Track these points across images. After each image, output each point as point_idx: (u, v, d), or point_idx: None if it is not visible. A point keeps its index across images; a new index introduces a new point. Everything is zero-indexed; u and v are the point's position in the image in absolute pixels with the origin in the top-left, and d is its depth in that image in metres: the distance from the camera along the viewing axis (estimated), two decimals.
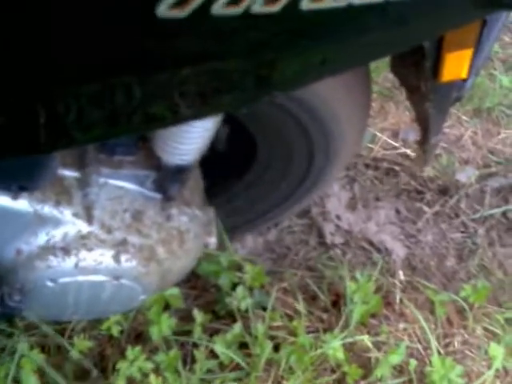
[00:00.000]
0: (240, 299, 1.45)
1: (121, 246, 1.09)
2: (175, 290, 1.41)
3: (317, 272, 1.66)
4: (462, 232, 1.89)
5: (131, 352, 1.30)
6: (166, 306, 1.41)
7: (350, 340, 1.47)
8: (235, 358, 1.37)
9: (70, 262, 1.06)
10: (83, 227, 1.06)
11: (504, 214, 1.94)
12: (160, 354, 1.33)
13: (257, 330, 1.41)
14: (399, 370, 1.51)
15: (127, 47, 0.54)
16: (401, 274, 1.69)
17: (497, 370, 1.54)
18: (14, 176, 0.98)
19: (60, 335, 1.31)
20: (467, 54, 0.97)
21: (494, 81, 2.31)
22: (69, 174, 1.07)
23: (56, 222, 1.05)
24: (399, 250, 1.79)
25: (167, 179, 1.10)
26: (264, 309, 1.48)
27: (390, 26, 0.67)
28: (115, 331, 1.35)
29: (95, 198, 1.07)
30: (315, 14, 0.58)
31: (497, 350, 1.55)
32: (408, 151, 2.01)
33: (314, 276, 1.65)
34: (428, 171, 1.98)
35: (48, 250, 1.05)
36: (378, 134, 2.04)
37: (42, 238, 1.05)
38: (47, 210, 1.03)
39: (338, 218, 1.83)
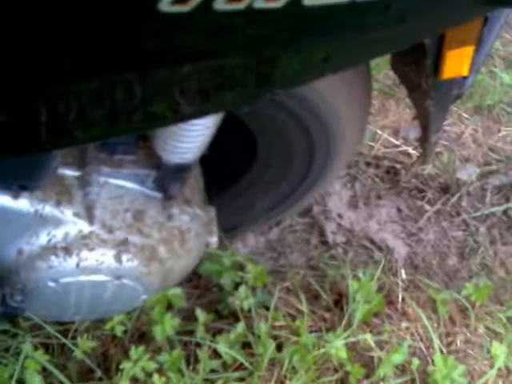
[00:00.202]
0: (242, 299, 1.45)
1: (122, 246, 1.08)
2: (178, 290, 1.40)
3: (319, 271, 1.67)
4: (464, 230, 1.89)
5: (135, 352, 1.30)
6: (169, 306, 1.41)
7: (352, 339, 1.47)
8: (238, 358, 1.37)
9: (71, 262, 1.06)
10: (84, 227, 1.06)
11: (505, 212, 1.95)
12: (163, 354, 1.33)
13: (260, 330, 1.41)
14: (402, 369, 1.51)
15: (128, 43, 0.54)
16: (403, 273, 1.69)
17: (499, 369, 1.54)
18: (14, 175, 0.98)
19: (63, 335, 1.31)
20: (468, 51, 0.97)
21: (495, 78, 2.31)
22: (69, 173, 1.07)
23: (57, 222, 1.04)
24: (401, 249, 1.79)
25: (168, 178, 1.10)
26: (266, 308, 1.48)
27: (392, 24, 0.67)
28: (118, 331, 1.35)
29: (96, 197, 1.07)
30: (318, 11, 0.58)
31: (499, 349, 1.56)
32: (409, 149, 2.01)
33: (316, 275, 1.65)
34: (429, 169, 1.98)
35: (49, 249, 1.05)
36: (378, 131, 2.04)
37: (43, 238, 1.05)
38: (48, 209, 1.03)
39: (340, 216, 1.83)
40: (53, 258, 1.05)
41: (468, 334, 1.62)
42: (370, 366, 1.48)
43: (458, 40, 0.94)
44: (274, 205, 1.45)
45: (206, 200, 1.23)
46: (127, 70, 0.58)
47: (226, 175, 1.42)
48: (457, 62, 0.97)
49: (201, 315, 1.40)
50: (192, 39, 0.56)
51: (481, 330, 1.63)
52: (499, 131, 2.19)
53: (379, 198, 1.91)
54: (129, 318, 1.38)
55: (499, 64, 2.38)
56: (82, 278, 1.08)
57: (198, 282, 1.56)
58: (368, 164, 1.97)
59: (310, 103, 1.11)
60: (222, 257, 1.50)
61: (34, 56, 0.52)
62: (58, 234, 1.05)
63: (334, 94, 1.13)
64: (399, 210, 1.90)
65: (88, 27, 0.51)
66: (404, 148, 2.02)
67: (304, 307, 1.50)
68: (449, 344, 1.59)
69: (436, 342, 1.54)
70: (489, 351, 1.58)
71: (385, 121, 2.10)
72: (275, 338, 1.43)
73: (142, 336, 1.40)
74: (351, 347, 1.48)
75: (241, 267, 1.52)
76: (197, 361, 1.36)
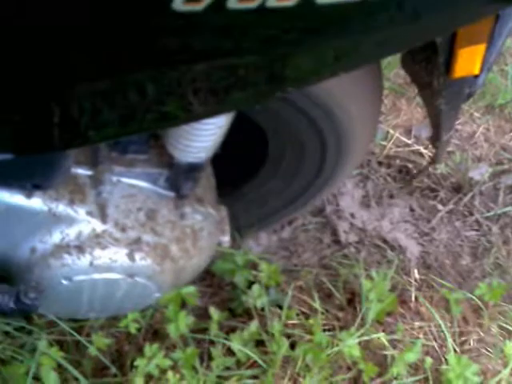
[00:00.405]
0: (256, 297, 1.45)
1: (135, 245, 1.09)
2: (192, 288, 1.41)
3: (331, 270, 1.67)
4: (476, 230, 1.89)
5: (149, 349, 1.30)
6: (183, 304, 1.41)
7: (365, 338, 1.47)
8: (252, 356, 1.37)
9: (84, 260, 1.06)
10: (97, 226, 1.07)
11: None
12: (177, 352, 1.33)
13: (273, 328, 1.41)
14: (415, 368, 1.51)
15: (141, 43, 0.55)
16: (416, 273, 1.69)
17: None
18: (28, 174, 0.99)
19: (78, 332, 1.32)
20: (480, 49, 0.96)
21: (506, 77, 2.31)
22: (82, 172, 1.08)
23: (70, 221, 1.05)
24: (413, 249, 1.79)
25: (180, 177, 1.10)
26: (280, 307, 1.49)
27: (404, 22, 0.67)
28: (133, 329, 1.35)
29: (109, 196, 1.08)
30: (329, 9, 0.58)
31: None
32: (421, 148, 2.01)
33: (328, 274, 1.65)
34: (441, 168, 1.97)
35: (62, 248, 1.06)
36: (390, 131, 2.03)
37: (56, 237, 1.05)
38: (61, 208, 1.04)
39: (352, 216, 1.83)
40: (66, 256, 1.06)
41: (481, 334, 1.61)
42: (383, 365, 1.48)
43: (470, 38, 0.94)
44: (286, 204, 1.45)
45: (217, 199, 1.23)
46: (140, 69, 0.58)
47: (238, 175, 1.42)
48: (468, 61, 0.97)
49: (215, 313, 1.41)
50: (205, 38, 0.56)
51: (494, 329, 1.63)
52: (511, 130, 2.18)
53: (391, 197, 1.91)
54: (143, 316, 1.39)
55: (511, 62, 2.37)
56: (95, 276, 1.08)
57: (211, 281, 1.56)
58: (380, 163, 1.97)
59: (322, 102, 1.11)
60: (235, 255, 1.50)
61: (48, 56, 0.53)
62: (71, 233, 1.06)
63: (345, 93, 1.13)
64: (412, 209, 1.90)
65: (101, 27, 0.51)
66: (416, 147, 2.01)
67: (317, 306, 1.50)
68: (462, 343, 1.59)
69: (450, 341, 1.54)
70: (502, 350, 1.58)
71: (396, 120, 2.09)
72: (289, 336, 1.43)
73: (156, 333, 1.41)
74: (364, 346, 1.48)
75: (254, 266, 1.52)
76: (210, 358, 1.36)
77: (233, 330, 1.44)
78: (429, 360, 1.50)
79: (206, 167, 1.15)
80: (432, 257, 1.78)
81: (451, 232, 1.86)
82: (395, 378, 1.46)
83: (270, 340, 1.40)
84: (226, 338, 1.39)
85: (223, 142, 1.07)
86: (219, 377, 1.34)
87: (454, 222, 1.88)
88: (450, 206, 1.91)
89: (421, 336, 1.56)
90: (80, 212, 1.05)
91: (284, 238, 1.74)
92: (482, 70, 1.00)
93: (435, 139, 1.22)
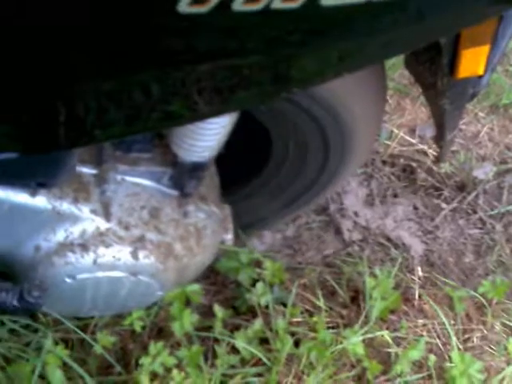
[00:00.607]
0: (260, 295, 1.46)
1: (139, 243, 1.09)
2: (196, 287, 1.41)
3: (335, 268, 1.67)
4: (480, 228, 1.89)
5: (154, 347, 1.31)
6: (187, 302, 1.42)
7: (369, 336, 1.48)
8: (256, 353, 1.38)
9: (88, 259, 1.07)
10: (101, 224, 1.07)
11: None
12: (182, 350, 1.34)
13: (277, 326, 1.42)
14: (419, 365, 1.51)
15: (147, 44, 0.55)
16: (419, 270, 1.70)
17: None
18: (32, 173, 0.99)
19: (83, 331, 1.32)
20: (484, 50, 0.96)
21: (511, 77, 2.31)
22: (86, 170, 1.08)
23: (74, 219, 1.06)
24: (417, 247, 1.79)
25: (184, 176, 1.11)
26: (284, 305, 1.49)
27: (409, 23, 0.67)
28: (138, 327, 1.36)
29: (113, 194, 1.08)
30: (334, 11, 0.58)
31: None
32: (425, 148, 2.01)
33: (332, 272, 1.65)
34: (445, 167, 1.97)
35: (66, 246, 1.06)
36: (395, 130, 2.04)
37: (60, 235, 1.06)
38: (65, 206, 1.04)
39: (356, 214, 1.84)
40: (70, 254, 1.06)
41: (485, 331, 1.62)
42: (387, 362, 1.48)
43: (474, 39, 0.94)
44: (289, 202, 1.46)
45: (221, 197, 1.24)
46: (146, 69, 0.59)
47: (242, 173, 1.43)
48: (472, 61, 0.97)
49: (219, 311, 1.41)
50: (209, 39, 0.57)
51: (497, 326, 1.63)
52: None
53: (395, 196, 1.91)
54: (147, 314, 1.39)
55: None
56: (99, 274, 1.09)
57: (215, 279, 1.57)
58: (384, 162, 1.97)
59: (325, 101, 1.12)
60: (239, 254, 1.51)
61: (54, 56, 0.53)
62: (75, 231, 1.06)
63: (348, 92, 1.13)
64: (415, 207, 1.90)
65: (108, 28, 0.52)
66: (420, 146, 2.01)
67: (321, 303, 1.51)
68: (465, 341, 1.59)
69: (453, 339, 1.54)
70: (505, 348, 1.58)
71: (401, 119, 2.10)
72: (293, 333, 1.44)
73: (161, 332, 1.41)
74: (368, 343, 1.49)
75: (258, 264, 1.52)
76: (215, 356, 1.37)
77: (237, 327, 1.44)
78: (432, 357, 1.50)
79: (209, 166, 1.15)
80: (436, 255, 1.79)
81: (455, 230, 1.86)
82: (399, 376, 1.46)
83: (274, 338, 1.41)
84: (230, 336, 1.40)
85: (227, 141, 1.08)
86: (224, 375, 1.35)
87: (458, 221, 1.89)
88: (454, 205, 1.91)
89: (424, 334, 1.56)
90: (84, 210, 1.06)
91: (288, 236, 1.75)
92: (485, 70, 1.00)
93: (439, 139, 1.22)
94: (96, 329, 1.36)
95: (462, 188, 1.96)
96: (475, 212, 1.92)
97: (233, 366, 1.37)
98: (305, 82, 0.73)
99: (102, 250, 1.07)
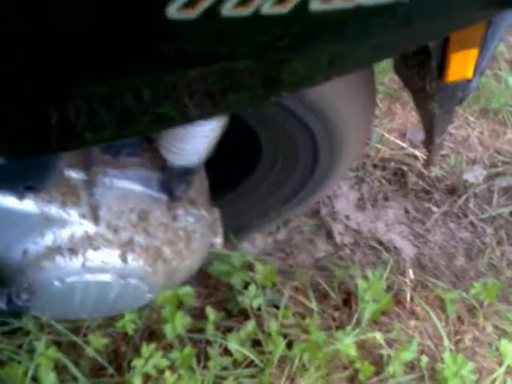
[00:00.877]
0: (252, 298, 1.46)
1: (127, 246, 1.09)
2: (188, 289, 1.41)
3: (327, 271, 1.67)
4: (471, 231, 1.90)
5: (146, 349, 1.31)
6: (179, 305, 1.42)
7: (361, 337, 1.48)
8: (249, 355, 1.38)
9: (76, 262, 1.06)
10: (90, 227, 1.07)
11: None
12: (174, 352, 1.34)
13: (270, 328, 1.42)
14: (411, 366, 1.51)
15: (137, 48, 0.55)
16: (411, 273, 1.70)
17: (508, 367, 1.55)
18: (20, 177, 0.99)
19: (75, 333, 1.32)
20: (472, 53, 0.97)
21: (500, 81, 2.32)
22: (75, 174, 1.07)
23: (62, 223, 1.05)
24: (408, 250, 1.80)
25: (173, 180, 1.11)
26: (276, 307, 1.49)
27: (398, 27, 0.68)
28: (130, 329, 1.35)
29: (101, 198, 1.08)
30: (324, 16, 0.58)
31: (507, 347, 1.56)
32: (415, 151, 2.02)
33: (324, 275, 1.65)
34: (436, 171, 1.98)
35: (55, 250, 1.05)
36: (385, 134, 2.05)
37: (48, 239, 1.05)
38: (54, 210, 1.03)
39: (347, 217, 1.84)
40: (58, 258, 1.06)
41: (476, 333, 1.62)
42: (379, 364, 1.48)
43: (463, 42, 0.94)
44: (279, 206, 1.46)
45: (210, 201, 1.24)
46: (136, 74, 0.59)
47: (231, 176, 1.43)
48: (461, 65, 0.98)
49: (211, 313, 1.41)
50: (200, 44, 0.57)
51: (489, 328, 1.64)
52: (505, 133, 2.19)
53: (386, 199, 1.92)
54: (140, 317, 1.39)
55: (504, 67, 2.39)
56: (88, 277, 1.09)
57: (208, 282, 1.57)
58: (375, 166, 1.98)
59: (314, 104, 1.12)
60: (231, 257, 1.51)
61: (45, 60, 0.53)
62: (64, 235, 1.06)
63: (337, 96, 1.13)
64: (406, 211, 1.91)
65: (98, 32, 0.52)
66: (411, 150, 2.02)
67: (313, 306, 1.51)
68: (457, 342, 1.60)
69: (445, 340, 1.55)
70: (497, 349, 1.58)
71: (391, 123, 2.11)
72: (285, 335, 1.44)
73: (153, 334, 1.41)
74: (361, 345, 1.49)
75: (250, 267, 1.53)
76: (208, 358, 1.37)
77: (229, 330, 1.44)
78: (425, 359, 1.51)
79: (199, 170, 1.15)
80: (427, 258, 1.79)
81: (446, 233, 1.87)
82: (391, 377, 1.46)
83: (266, 340, 1.41)
84: (222, 338, 1.40)
85: (217, 145, 1.08)
86: (216, 376, 1.35)
87: (449, 224, 1.90)
88: (445, 208, 1.92)
89: (416, 335, 1.57)
90: (72, 214, 1.05)
91: (279, 239, 1.75)
92: (474, 74, 1.01)
93: (428, 143, 1.22)
94: (88, 331, 1.36)
95: (452, 191, 1.96)
96: (466, 215, 1.92)
97: (225, 368, 1.37)
98: (294, 86, 0.73)
99: (90, 253, 1.07)
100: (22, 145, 0.65)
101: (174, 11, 0.51)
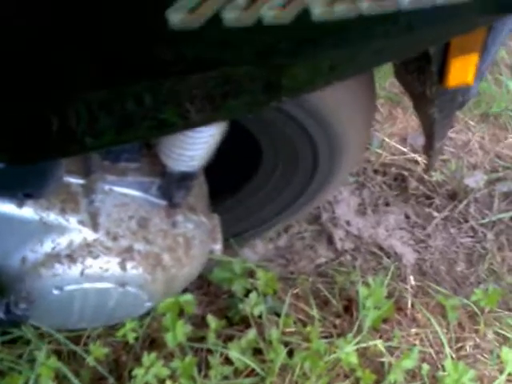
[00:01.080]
0: (253, 305, 1.46)
1: (126, 253, 1.08)
2: (189, 297, 1.41)
3: (328, 278, 1.67)
4: (472, 237, 1.89)
5: (147, 358, 1.30)
6: (180, 313, 1.41)
7: (363, 345, 1.48)
8: (250, 364, 1.37)
9: (75, 270, 1.05)
10: (89, 235, 1.06)
11: None
12: (175, 361, 1.33)
13: (271, 336, 1.42)
14: (412, 374, 1.51)
15: (138, 54, 0.55)
16: (411, 279, 1.70)
17: (509, 375, 1.54)
18: (19, 184, 0.98)
19: (75, 342, 1.32)
20: (473, 58, 0.97)
21: (501, 86, 2.32)
22: (74, 181, 1.07)
23: (61, 230, 1.04)
24: (409, 255, 1.80)
25: (172, 186, 1.10)
26: (277, 315, 1.49)
27: (399, 34, 0.68)
28: (130, 338, 1.35)
29: (100, 205, 1.07)
30: (325, 24, 0.58)
31: (508, 355, 1.56)
32: (416, 156, 2.02)
33: (325, 282, 1.65)
34: (436, 176, 1.98)
35: (54, 257, 1.04)
36: (386, 139, 2.05)
37: (47, 246, 1.04)
38: (53, 217, 1.02)
39: (348, 223, 1.84)
40: (57, 265, 1.05)
41: (477, 340, 1.62)
42: (380, 372, 1.48)
43: (463, 47, 0.94)
44: (279, 211, 1.45)
45: (209, 207, 1.23)
46: (137, 80, 0.59)
47: (231, 182, 1.43)
48: (461, 70, 0.98)
49: (212, 321, 1.41)
50: (201, 51, 0.57)
51: (490, 335, 1.64)
52: (506, 138, 2.20)
53: (387, 204, 1.92)
54: (140, 325, 1.39)
55: (505, 72, 2.39)
56: (87, 285, 1.08)
57: (208, 289, 1.56)
58: (376, 171, 1.98)
59: (314, 109, 1.11)
60: (232, 264, 1.51)
61: (45, 66, 0.53)
62: (63, 242, 1.05)
63: (337, 100, 1.13)
64: (407, 216, 1.90)
65: (99, 38, 0.52)
66: (411, 155, 2.02)
67: (314, 313, 1.51)
68: (458, 349, 1.59)
69: (446, 348, 1.54)
70: (498, 356, 1.58)
71: (392, 128, 2.11)
72: (286, 343, 1.43)
73: (154, 343, 1.40)
74: (362, 353, 1.49)
75: (251, 274, 1.52)
76: (209, 367, 1.36)
77: (230, 338, 1.44)
78: (426, 366, 1.50)
79: (198, 176, 1.15)
80: (428, 263, 1.79)
81: (446, 239, 1.87)
82: None
83: (267, 348, 1.41)
84: (223, 347, 1.39)
85: (216, 151, 1.07)
86: None
87: (450, 229, 1.89)
88: (446, 213, 1.92)
89: (417, 343, 1.57)
90: (71, 221, 1.04)
91: (280, 246, 1.75)
92: (475, 79, 1.01)
93: (428, 148, 1.22)
94: (89, 340, 1.35)
95: (453, 196, 1.96)
96: (466, 221, 1.92)
97: (226, 377, 1.37)
98: (295, 91, 0.73)
99: (89, 260, 1.06)
100: (21, 150, 0.65)
101: (176, 19, 0.51)
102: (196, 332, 1.42)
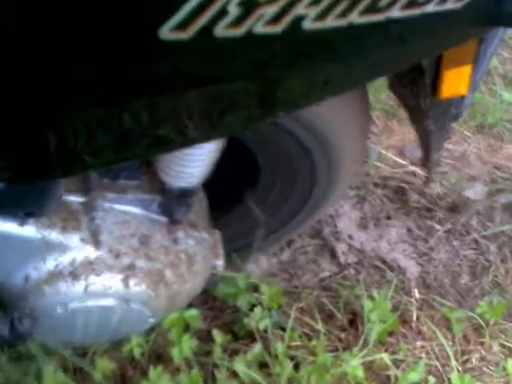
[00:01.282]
0: (258, 320, 1.45)
1: (129, 271, 1.08)
2: (194, 312, 1.40)
3: (332, 291, 1.67)
4: (475, 249, 1.89)
5: (153, 373, 1.29)
6: (185, 328, 1.41)
7: (368, 358, 1.47)
8: (256, 378, 1.36)
9: (78, 287, 1.06)
10: (91, 252, 1.06)
11: None
12: (182, 375, 1.32)
13: (276, 350, 1.41)
14: None
15: (131, 71, 0.55)
16: (416, 292, 1.70)
17: None
18: (20, 203, 0.98)
19: (82, 358, 1.31)
20: (466, 70, 0.98)
21: (495, 96, 2.33)
22: (74, 199, 1.07)
23: (64, 248, 1.04)
24: (413, 269, 1.79)
25: (172, 203, 1.10)
26: (282, 329, 1.48)
27: (391, 46, 0.68)
28: (137, 353, 1.34)
29: (101, 222, 1.07)
30: (317, 35, 0.59)
31: None
32: (414, 168, 2.02)
33: (329, 295, 1.65)
34: (436, 188, 1.99)
35: (56, 275, 1.05)
36: (383, 152, 2.05)
37: (50, 264, 1.04)
38: (54, 235, 1.03)
39: (350, 237, 1.83)
40: (60, 283, 1.05)
41: (483, 352, 1.61)
42: None
43: (456, 59, 0.96)
44: (278, 226, 1.45)
45: (210, 223, 1.23)
46: (132, 96, 0.58)
47: (229, 198, 1.42)
48: (455, 81, 0.99)
49: (218, 336, 1.40)
50: (194, 65, 0.56)
51: (495, 347, 1.63)
52: (501, 149, 2.21)
53: (389, 218, 1.92)
54: (146, 340, 1.38)
55: (498, 82, 2.40)
56: (90, 302, 1.08)
57: (213, 304, 1.56)
58: (376, 184, 1.98)
59: (310, 124, 1.12)
60: (236, 279, 1.50)
61: (42, 85, 0.53)
62: (65, 260, 1.05)
63: (332, 114, 1.14)
64: (409, 229, 1.90)
65: (92, 57, 0.52)
66: (410, 168, 2.03)
67: (320, 327, 1.50)
68: (464, 362, 1.59)
69: (452, 360, 1.54)
70: (504, 368, 1.58)
71: (389, 140, 2.11)
72: (292, 357, 1.43)
73: (160, 357, 1.40)
74: (368, 366, 1.48)
75: (255, 289, 1.52)
76: (215, 381, 1.35)
77: (236, 352, 1.43)
78: (432, 379, 1.50)
79: (198, 192, 1.15)
80: (431, 276, 1.79)
81: (450, 251, 1.87)
82: None
83: (273, 362, 1.40)
84: (229, 361, 1.38)
85: (215, 167, 1.07)
86: None
87: (452, 242, 1.89)
88: (448, 226, 1.92)
89: (423, 355, 1.56)
90: (73, 239, 1.05)
91: (283, 260, 1.74)
92: (468, 90, 1.02)
93: (425, 160, 1.23)
94: (95, 356, 1.34)
95: (454, 209, 1.96)
96: (469, 233, 1.92)
97: None
98: (290, 106, 0.73)
99: (92, 278, 1.06)
100: (21, 170, 0.64)
101: (166, 32, 0.51)
102: (202, 346, 1.41)
